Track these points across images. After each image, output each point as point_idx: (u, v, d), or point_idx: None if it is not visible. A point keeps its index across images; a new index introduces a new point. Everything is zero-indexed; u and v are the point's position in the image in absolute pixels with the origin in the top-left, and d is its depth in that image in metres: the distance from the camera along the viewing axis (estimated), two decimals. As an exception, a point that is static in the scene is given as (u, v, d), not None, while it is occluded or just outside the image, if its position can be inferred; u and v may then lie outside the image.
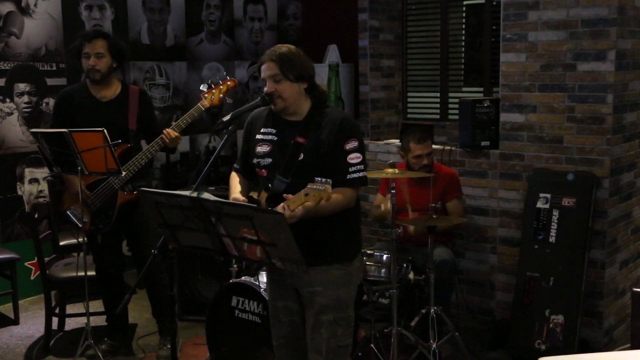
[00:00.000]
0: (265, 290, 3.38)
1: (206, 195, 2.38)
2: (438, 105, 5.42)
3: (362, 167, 2.65)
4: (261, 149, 2.72)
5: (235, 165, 2.91)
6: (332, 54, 5.97)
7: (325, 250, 2.67)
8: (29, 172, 5.05)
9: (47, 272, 4.18)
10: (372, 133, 5.36)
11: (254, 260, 2.51)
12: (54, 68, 5.13)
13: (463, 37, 5.42)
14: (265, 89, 2.66)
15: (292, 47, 2.70)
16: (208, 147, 5.95)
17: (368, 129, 5.35)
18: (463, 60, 5.43)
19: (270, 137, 2.72)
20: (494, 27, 4.93)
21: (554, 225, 4.02)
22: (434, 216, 3.77)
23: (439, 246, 4.00)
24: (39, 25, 5.03)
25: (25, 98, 5.01)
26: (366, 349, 3.66)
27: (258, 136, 2.75)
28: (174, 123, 3.85)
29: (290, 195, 2.46)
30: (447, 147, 4.58)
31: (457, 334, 3.81)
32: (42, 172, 5.04)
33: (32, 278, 5.07)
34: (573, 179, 3.99)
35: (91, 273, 3.97)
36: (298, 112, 2.69)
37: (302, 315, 2.77)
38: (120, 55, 3.89)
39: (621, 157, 4.04)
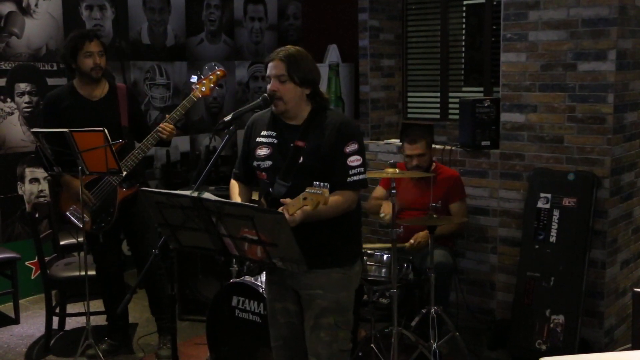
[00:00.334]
0: (265, 290, 3.38)
1: (207, 195, 2.38)
2: (438, 105, 5.42)
3: (362, 169, 2.64)
4: (261, 151, 2.72)
5: (234, 170, 2.90)
6: (332, 53, 5.97)
7: (326, 253, 2.66)
8: (29, 172, 5.06)
9: (48, 271, 4.18)
10: (372, 133, 5.36)
11: (254, 260, 2.51)
12: (55, 68, 5.13)
13: (463, 37, 5.42)
14: (269, 87, 2.66)
15: (301, 49, 2.69)
16: (209, 147, 5.95)
17: (368, 128, 5.35)
18: (463, 60, 5.43)
19: (270, 140, 2.72)
20: (494, 27, 4.93)
21: (555, 225, 4.02)
22: (435, 216, 3.77)
23: (439, 248, 3.99)
24: (39, 25, 5.03)
25: (26, 98, 5.01)
26: (366, 348, 3.66)
27: (258, 139, 2.75)
28: (167, 115, 3.86)
29: (288, 200, 2.46)
30: (448, 147, 4.58)
31: (457, 334, 3.81)
32: (42, 172, 5.04)
33: (32, 277, 5.08)
34: (574, 178, 3.99)
35: (91, 273, 3.97)
36: (298, 115, 2.69)
37: (300, 317, 2.77)
38: (107, 51, 3.94)
39: (622, 157, 4.04)
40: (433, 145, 4.34)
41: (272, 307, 2.83)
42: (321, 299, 2.67)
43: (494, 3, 4.93)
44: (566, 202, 4.00)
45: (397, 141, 4.91)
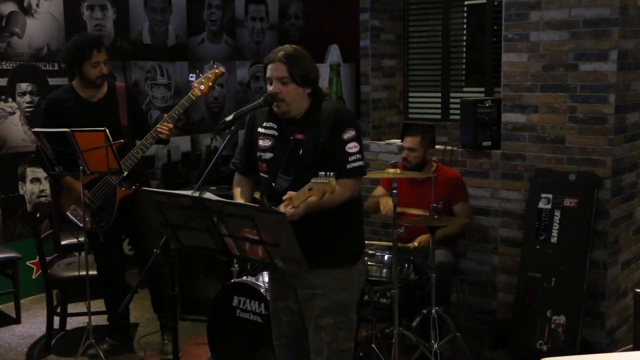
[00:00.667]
0: (266, 290, 3.38)
1: (208, 195, 2.38)
2: (439, 106, 5.42)
3: (360, 156, 2.63)
4: (263, 142, 2.72)
5: (234, 160, 2.88)
6: (334, 53, 5.97)
7: (328, 254, 2.66)
8: (30, 172, 5.06)
9: (49, 271, 4.18)
10: (374, 133, 5.36)
11: (255, 260, 2.51)
12: (56, 68, 5.13)
13: (464, 37, 5.42)
14: (270, 88, 2.65)
15: (299, 48, 2.68)
16: (210, 147, 5.95)
17: (369, 129, 5.35)
18: (464, 60, 5.43)
19: (272, 132, 2.72)
20: (495, 27, 4.93)
21: (556, 226, 4.01)
22: (436, 217, 3.77)
23: (440, 248, 3.99)
24: (41, 25, 5.04)
25: (27, 98, 5.01)
26: (367, 349, 3.66)
27: (260, 129, 2.75)
28: (165, 115, 3.86)
29: (292, 193, 2.46)
30: (449, 148, 4.57)
31: (458, 334, 3.81)
32: (44, 172, 5.04)
33: (33, 277, 5.08)
34: (575, 179, 3.99)
35: (92, 272, 3.97)
36: (299, 112, 2.69)
37: (303, 316, 2.77)
38: (121, 55, 3.94)
39: (623, 158, 4.04)
40: (436, 146, 4.32)
41: (275, 306, 2.83)
42: (321, 299, 2.66)
43: (495, 3, 4.93)
44: (567, 202, 4.00)
45: (398, 141, 4.90)
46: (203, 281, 4.58)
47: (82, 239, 3.82)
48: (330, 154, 2.61)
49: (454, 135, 5.09)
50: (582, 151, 4.01)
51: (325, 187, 2.36)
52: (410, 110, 5.62)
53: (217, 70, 3.87)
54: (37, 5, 5.00)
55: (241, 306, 3.54)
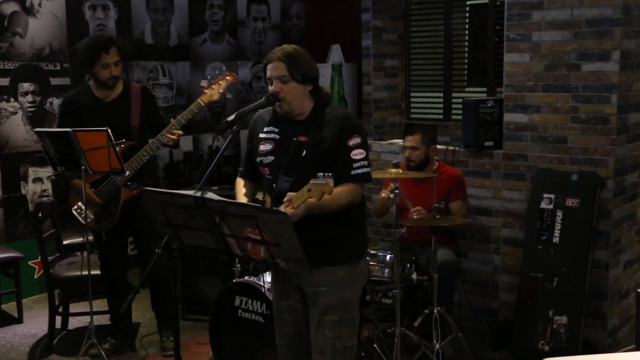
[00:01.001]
0: (268, 290, 3.38)
1: (210, 195, 2.38)
2: (441, 106, 5.41)
3: (365, 162, 2.65)
4: (264, 147, 2.73)
5: (240, 168, 2.92)
6: (335, 53, 5.97)
7: (331, 251, 2.67)
8: (32, 172, 5.06)
9: (51, 271, 4.19)
10: (375, 133, 5.36)
11: (257, 260, 2.51)
12: (58, 68, 5.13)
13: (466, 37, 5.41)
14: (271, 88, 2.66)
15: (298, 47, 2.70)
16: (212, 147, 5.96)
17: (371, 128, 5.34)
18: (466, 60, 5.42)
19: (272, 135, 2.72)
20: (497, 27, 4.92)
21: (558, 226, 4.01)
22: (437, 216, 3.77)
23: (442, 247, 3.99)
24: (43, 25, 5.04)
25: (29, 97, 5.02)
26: (369, 349, 3.65)
27: (261, 135, 2.76)
28: (173, 120, 3.86)
29: (292, 194, 2.46)
30: (451, 147, 4.57)
31: (460, 334, 3.81)
32: (45, 172, 5.05)
33: (35, 277, 5.08)
34: (577, 179, 3.98)
35: (95, 272, 3.97)
36: (301, 112, 2.70)
37: (306, 315, 2.77)
38: (123, 54, 3.96)
39: (625, 158, 4.04)
40: (437, 146, 4.33)
41: (278, 306, 2.83)
42: (326, 296, 2.67)
43: (497, 3, 4.93)
44: (569, 202, 4.00)
45: (400, 141, 4.90)
46: (205, 281, 4.58)
47: (85, 238, 3.83)
48: (333, 158, 2.62)
49: (456, 135, 5.08)
50: (584, 151, 4.00)
51: (323, 188, 2.37)
52: (412, 110, 5.61)
53: (228, 77, 3.87)
54: (39, 5, 5.00)
55: (243, 306, 3.54)
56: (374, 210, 4.39)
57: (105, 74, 3.82)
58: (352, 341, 2.74)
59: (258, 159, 2.75)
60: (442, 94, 5.42)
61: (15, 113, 4.96)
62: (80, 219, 3.88)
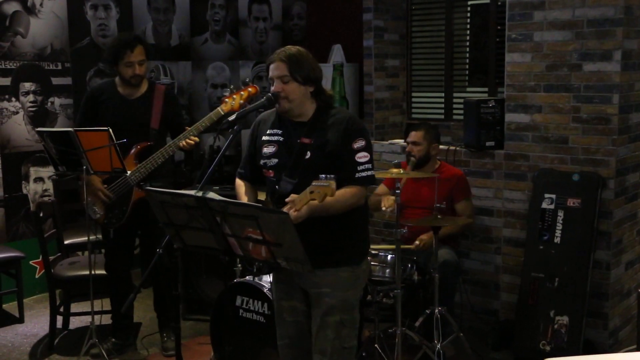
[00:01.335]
0: (269, 290, 3.38)
1: (211, 195, 2.39)
2: (443, 106, 5.41)
3: (370, 166, 2.66)
4: (267, 149, 2.73)
5: (239, 170, 2.90)
6: (337, 53, 5.97)
7: (334, 253, 2.67)
8: (34, 171, 5.06)
9: (52, 270, 4.19)
10: (377, 133, 5.36)
11: (259, 260, 2.51)
12: (59, 67, 5.14)
13: (468, 37, 5.41)
14: (272, 88, 2.66)
15: (301, 49, 2.70)
16: (213, 146, 5.95)
17: (372, 129, 5.34)
18: (468, 60, 5.42)
19: (276, 137, 2.72)
20: (499, 27, 4.92)
21: (559, 226, 4.01)
22: (439, 216, 3.77)
23: (443, 247, 3.99)
24: (44, 25, 5.04)
25: (31, 97, 5.02)
26: (370, 349, 3.65)
27: (264, 137, 2.76)
28: (187, 128, 3.85)
29: (295, 196, 2.46)
30: (452, 148, 4.57)
31: (461, 334, 3.81)
32: (47, 171, 5.05)
33: (37, 276, 5.09)
34: (578, 179, 3.98)
35: (96, 272, 3.97)
36: (303, 114, 2.70)
37: (307, 316, 2.77)
38: (149, 54, 3.99)
39: (627, 158, 4.03)
40: (440, 146, 4.32)
41: (279, 306, 2.83)
42: (329, 297, 2.67)
43: (499, 3, 4.93)
44: (571, 202, 3.99)
45: (401, 141, 4.90)
46: (206, 281, 4.58)
47: (87, 237, 3.83)
48: (337, 161, 2.62)
49: (457, 135, 5.08)
50: (586, 151, 4.00)
51: (325, 190, 2.37)
52: (413, 110, 5.61)
53: (250, 88, 3.87)
54: (41, 4, 5.01)
55: (244, 306, 3.54)
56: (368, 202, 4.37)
57: (128, 72, 3.84)
58: (351, 342, 2.75)
59: (262, 162, 2.75)
60: (443, 94, 5.41)
61: (17, 113, 4.96)
62: (91, 214, 3.90)
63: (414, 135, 4.13)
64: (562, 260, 3.97)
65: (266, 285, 3.46)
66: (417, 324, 3.79)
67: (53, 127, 5.00)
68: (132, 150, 3.84)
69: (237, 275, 3.88)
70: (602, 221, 3.96)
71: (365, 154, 2.64)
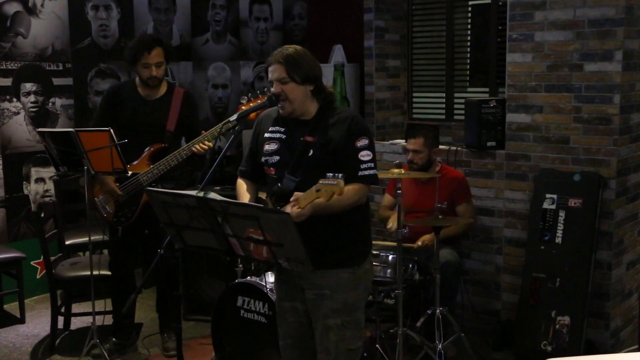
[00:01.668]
0: (271, 290, 3.38)
1: (212, 195, 2.39)
2: (443, 106, 5.41)
3: (372, 164, 2.66)
4: (269, 147, 2.73)
5: (240, 167, 2.90)
6: (338, 54, 5.96)
7: (334, 254, 2.66)
8: (35, 172, 5.07)
9: (53, 271, 4.19)
10: (378, 133, 5.36)
11: (260, 260, 2.51)
12: (61, 68, 5.14)
13: (469, 37, 5.41)
14: (272, 89, 2.67)
15: (299, 48, 2.70)
16: (214, 147, 5.95)
17: (373, 129, 5.34)
18: (469, 61, 5.42)
19: (278, 135, 2.72)
20: (499, 27, 4.92)
21: (560, 226, 4.01)
22: (440, 217, 3.77)
23: (445, 247, 3.99)
24: (45, 25, 5.05)
25: (32, 98, 5.02)
26: (371, 349, 3.65)
27: (266, 134, 2.76)
28: (204, 132, 3.85)
29: (299, 193, 2.46)
30: (453, 148, 4.57)
31: (462, 334, 3.81)
32: (48, 172, 5.05)
33: (38, 277, 5.09)
34: (579, 179, 3.98)
35: (97, 272, 3.97)
36: (306, 112, 2.70)
37: (309, 316, 2.76)
38: (169, 56, 3.98)
39: (628, 158, 4.03)
40: (440, 146, 4.33)
41: (280, 306, 2.83)
42: (329, 299, 2.67)
43: (500, 3, 4.93)
44: (572, 202, 3.99)
45: (402, 141, 4.90)
46: (207, 281, 4.58)
47: (86, 239, 3.83)
48: (340, 159, 2.62)
49: (458, 135, 5.08)
50: (587, 151, 4.00)
51: (333, 189, 2.36)
52: (414, 111, 5.61)
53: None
54: (42, 5, 5.01)
55: (245, 306, 3.54)
56: (376, 216, 4.38)
57: (145, 73, 3.84)
58: (356, 343, 2.73)
59: (263, 159, 2.75)
60: (444, 94, 5.41)
61: (18, 113, 4.96)
62: (101, 210, 3.91)
63: (414, 143, 4.11)
64: (563, 261, 3.97)
65: (267, 286, 3.45)
66: (418, 324, 3.79)
67: (54, 127, 5.00)
68: (146, 152, 3.85)
69: (238, 276, 3.88)
70: (603, 221, 3.96)
71: (368, 152, 2.65)
